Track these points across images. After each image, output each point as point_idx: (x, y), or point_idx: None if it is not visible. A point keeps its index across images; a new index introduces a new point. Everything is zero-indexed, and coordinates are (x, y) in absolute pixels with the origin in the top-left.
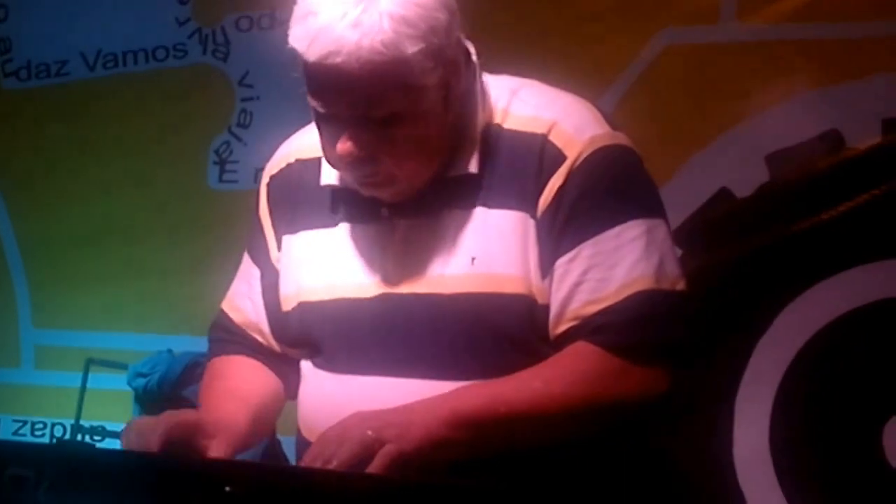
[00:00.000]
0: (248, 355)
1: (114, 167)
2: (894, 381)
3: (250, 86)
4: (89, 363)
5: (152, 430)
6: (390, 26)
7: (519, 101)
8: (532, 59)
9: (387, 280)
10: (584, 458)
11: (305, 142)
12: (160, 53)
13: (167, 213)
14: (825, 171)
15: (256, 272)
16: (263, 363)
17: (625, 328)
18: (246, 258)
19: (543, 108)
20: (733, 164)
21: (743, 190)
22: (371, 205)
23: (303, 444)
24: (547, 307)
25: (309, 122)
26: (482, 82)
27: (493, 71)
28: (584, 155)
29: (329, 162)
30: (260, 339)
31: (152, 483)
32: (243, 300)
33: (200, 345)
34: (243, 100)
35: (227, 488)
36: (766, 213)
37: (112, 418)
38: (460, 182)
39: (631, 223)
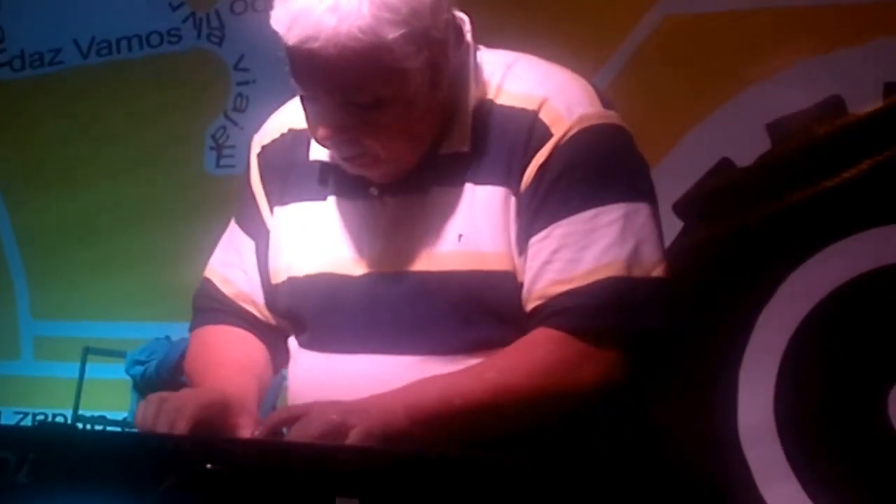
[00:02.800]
0: (240, 326)
1: (109, 155)
2: None
3: (246, 69)
4: (87, 352)
5: (176, 412)
6: (369, 11)
7: (513, 77)
8: (530, 32)
9: (375, 258)
10: (578, 437)
11: (298, 112)
12: (154, 39)
13: (164, 200)
14: (827, 138)
15: (250, 243)
16: (254, 335)
17: (587, 313)
18: (235, 228)
19: (536, 85)
20: (734, 133)
21: (744, 159)
22: (360, 182)
23: None
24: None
25: None
26: (476, 57)
27: (489, 45)
28: (571, 133)
29: (315, 140)
30: (253, 310)
31: (133, 462)
32: (234, 271)
33: None
34: (239, 84)
35: (209, 465)
36: (767, 182)
37: (112, 407)
38: (451, 159)
39: (609, 206)
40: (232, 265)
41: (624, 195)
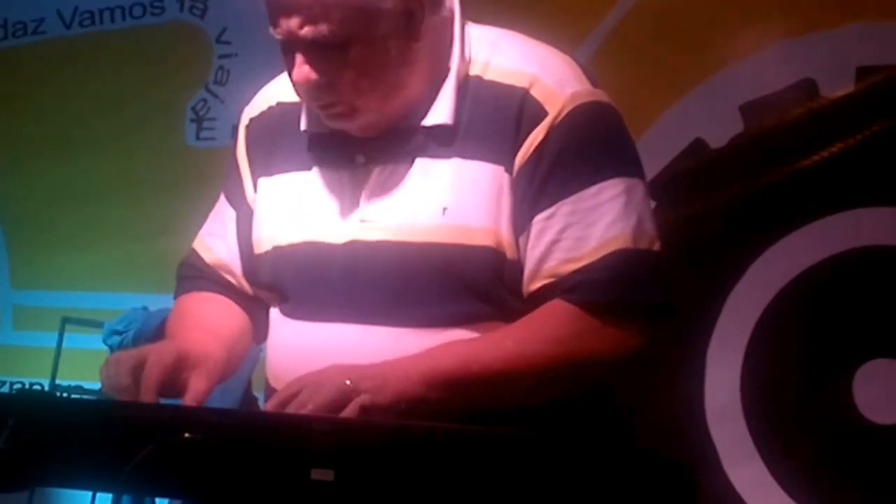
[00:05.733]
0: (218, 293)
1: (91, 125)
2: (865, 329)
3: (228, 42)
4: (65, 322)
5: (137, 371)
6: None
7: (499, 53)
8: (507, 7)
9: (357, 226)
10: (551, 413)
11: (287, 86)
12: (137, 10)
13: (144, 171)
14: (799, 120)
15: (232, 213)
16: (235, 303)
17: (601, 287)
18: (222, 199)
19: (524, 62)
20: (707, 114)
21: (717, 140)
22: (347, 151)
23: (270, 393)
24: (516, 262)
25: None
26: (464, 32)
27: (473, 20)
28: (566, 111)
29: (296, 93)
30: (230, 278)
31: (112, 430)
32: (215, 240)
33: None
34: (221, 57)
35: (186, 434)
36: (739, 164)
37: (89, 377)
38: (436, 131)
39: (610, 182)
40: (215, 234)
41: (622, 171)
